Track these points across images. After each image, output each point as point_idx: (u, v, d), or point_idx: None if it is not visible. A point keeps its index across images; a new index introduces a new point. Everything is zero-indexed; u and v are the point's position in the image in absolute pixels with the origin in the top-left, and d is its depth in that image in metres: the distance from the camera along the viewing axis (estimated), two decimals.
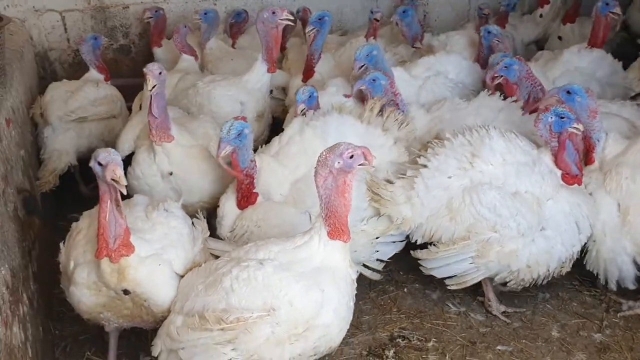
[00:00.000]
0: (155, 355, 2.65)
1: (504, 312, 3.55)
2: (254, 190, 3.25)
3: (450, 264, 3.42)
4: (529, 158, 3.36)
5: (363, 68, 4.12)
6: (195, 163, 3.52)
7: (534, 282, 3.40)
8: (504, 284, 3.48)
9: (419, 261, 3.51)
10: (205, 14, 5.05)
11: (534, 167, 3.33)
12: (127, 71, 5.28)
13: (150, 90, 3.25)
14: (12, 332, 2.50)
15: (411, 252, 3.52)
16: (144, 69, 3.30)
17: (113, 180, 2.40)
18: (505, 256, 3.28)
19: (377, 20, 5.24)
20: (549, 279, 3.44)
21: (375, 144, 3.50)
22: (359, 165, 2.44)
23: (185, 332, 2.48)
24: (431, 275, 3.89)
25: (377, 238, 3.39)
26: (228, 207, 3.30)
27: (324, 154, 2.46)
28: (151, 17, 5.36)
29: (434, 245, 3.43)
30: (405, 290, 3.86)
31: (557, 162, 3.36)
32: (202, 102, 4.24)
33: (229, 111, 4.15)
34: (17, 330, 2.59)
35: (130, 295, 2.67)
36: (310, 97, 3.81)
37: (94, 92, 4.48)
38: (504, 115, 3.85)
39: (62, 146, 4.32)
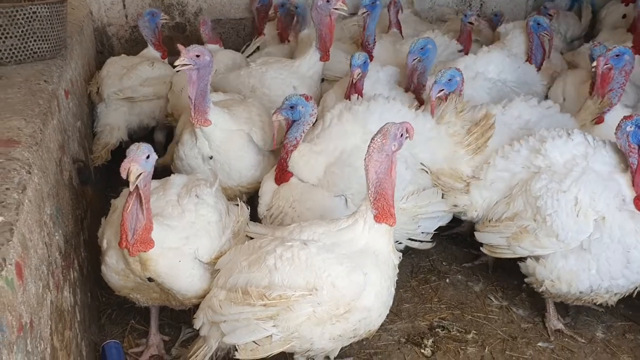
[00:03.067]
0: (197, 328, 2.70)
1: (557, 330, 3.40)
2: (288, 169, 3.27)
3: (491, 235, 3.40)
4: (604, 169, 3.12)
5: (416, 61, 4.07)
6: (235, 148, 3.51)
7: (560, 298, 3.27)
8: None
9: (474, 232, 3.50)
10: (296, 7, 5.11)
11: (602, 179, 3.08)
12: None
13: (175, 67, 3.26)
14: (63, 296, 2.59)
15: (475, 224, 3.51)
16: (180, 46, 3.31)
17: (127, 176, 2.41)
18: (534, 247, 3.20)
19: (472, 24, 5.24)
20: (580, 303, 3.28)
21: (425, 135, 3.46)
22: (405, 139, 2.49)
23: (228, 305, 2.52)
24: (474, 267, 3.91)
25: (419, 215, 3.37)
26: (267, 186, 3.34)
27: (379, 139, 2.46)
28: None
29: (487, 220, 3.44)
30: (448, 280, 3.83)
31: (634, 182, 3.03)
32: (254, 85, 4.26)
33: (281, 94, 4.12)
34: (67, 294, 2.68)
35: (156, 283, 2.73)
36: (364, 62, 3.77)
37: (147, 71, 4.54)
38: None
39: (113, 121, 4.42)
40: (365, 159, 2.48)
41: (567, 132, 3.30)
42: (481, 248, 3.46)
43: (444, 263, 4.00)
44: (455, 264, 3.99)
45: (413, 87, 4.15)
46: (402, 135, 2.45)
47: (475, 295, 3.70)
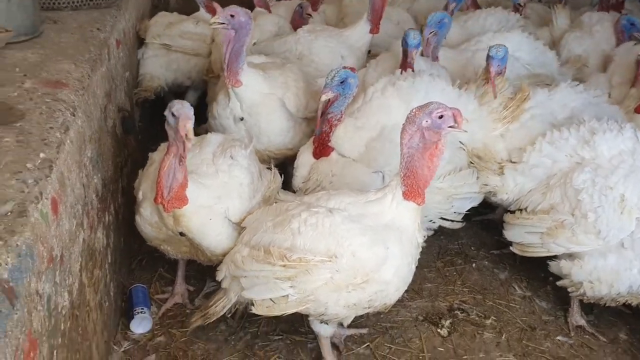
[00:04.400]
0: (219, 280, 2.79)
1: (579, 326, 3.35)
2: (329, 144, 3.25)
3: (522, 231, 3.35)
4: None
5: (432, 34, 4.01)
6: (265, 111, 3.51)
7: (597, 300, 3.20)
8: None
9: (503, 224, 3.46)
10: None
11: None
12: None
13: (210, 24, 3.28)
14: (96, 236, 2.70)
15: (504, 215, 3.47)
16: (215, 4, 3.31)
17: (185, 134, 2.46)
18: (571, 244, 3.13)
19: (521, 6, 5.09)
20: (614, 304, 3.21)
21: (467, 116, 3.39)
22: (449, 127, 2.42)
23: (250, 262, 2.59)
24: (501, 254, 3.89)
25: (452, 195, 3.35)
26: (304, 158, 3.33)
27: (414, 111, 2.45)
28: None
29: (521, 212, 3.38)
30: (474, 265, 3.82)
31: None
32: (302, 51, 4.25)
33: (329, 63, 4.13)
34: (100, 235, 2.79)
35: (186, 237, 2.81)
36: (419, 43, 3.71)
37: (190, 27, 4.60)
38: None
39: (152, 70, 4.51)
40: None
41: (620, 126, 3.22)
42: (511, 247, 3.40)
43: (472, 247, 3.99)
44: (483, 249, 3.97)
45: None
46: (440, 116, 2.38)
47: (499, 282, 3.69)
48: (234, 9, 3.27)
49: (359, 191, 2.71)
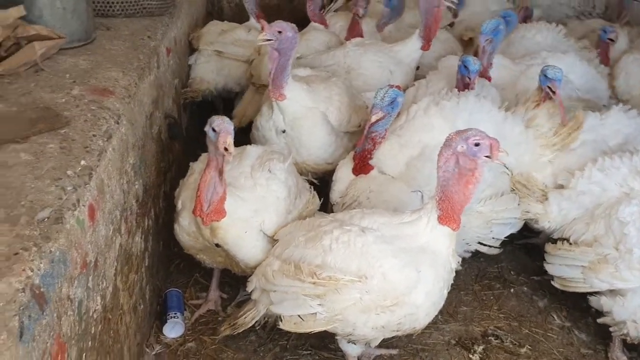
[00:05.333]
0: (249, 291, 2.82)
1: None
2: (370, 162, 3.23)
3: (563, 265, 3.24)
4: None
5: (488, 42, 3.94)
6: (307, 125, 3.50)
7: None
8: None
9: (544, 254, 3.36)
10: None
11: None
12: (287, 19, 5.40)
13: (258, 41, 3.31)
14: (134, 241, 2.77)
15: (546, 244, 3.37)
16: (262, 21, 3.36)
17: (225, 149, 2.48)
18: (614, 280, 3.01)
19: (612, 40, 4.81)
20: None
21: (512, 140, 3.35)
22: (485, 156, 2.37)
23: (280, 276, 2.60)
24: (542, 281, 3.78)
25: (493, 220, 3.29)
26: (342, 173, 3.32)
27: (452, 135, 2.43)
28: None
29: (563, 242, 3.28)
30: (512, 290, 3.73)
31: None
32: (350, 65, 4.23)
33: (377, 78, 4.14)
34: (138, 240, 2.86)
35: (222, 248, 2.85)
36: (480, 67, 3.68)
37: (242, 34, 4.69)
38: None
39: (203, 74, 4.59)
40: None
41: None
42: (552, 282, 3.30)
43: (512, 272, 3.89)
44: (523, 274, 3.87)
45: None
46: (477, 144, 2.34)
47: (537, 310, 3.59)
48: (281, 24, 3.29)
49: (394, 211, 2.69)
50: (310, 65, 4.18)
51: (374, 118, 3.10)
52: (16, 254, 1.62)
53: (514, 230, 3.44)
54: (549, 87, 3.46)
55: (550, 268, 3.30)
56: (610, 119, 3.57)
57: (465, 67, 3.62)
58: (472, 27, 5.32)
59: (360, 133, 3.75)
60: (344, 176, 3.31)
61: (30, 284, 1.57)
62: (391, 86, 3.18)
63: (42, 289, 1.62)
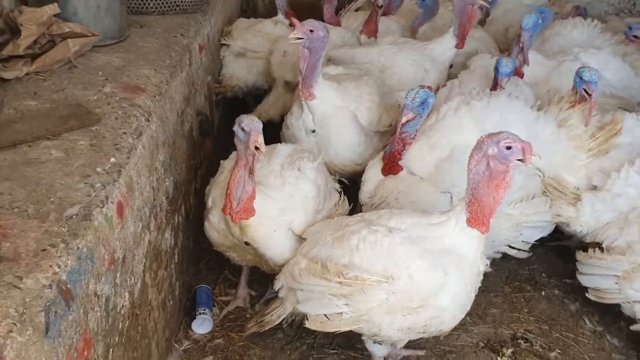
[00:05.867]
0: (276, 290, 2.82)
1: None
2: (400, 163, 3.20)
3: (596, 275, 3.16)
4: None
5: (529, 37, 3.87)
6: (336, 124, 3.47)
7: None
8: None
9: (576, 263, 3.28)
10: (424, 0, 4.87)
11: None
12: (319, 17, 5.41)
13: (290, 40, 3.27)
14: (163, 237, 2.80)
15: (576, 251, 3.30)
16: (294, 20, 3.35)
17: (255, 148, 2.49)
18: None
19: (637, 38, 4.64)
20: None
21: (544, 140, 3.27)
22: (517, 160, 2.33)
23: (306, 275, 2.60)
24: (575, 285, 3.69)
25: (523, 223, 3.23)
26: (371, 173, 3.29)
27: (483, 137, 2.39)
28: None
29: (594, 250, 3.20)
30: (543, 293, 3.66)
31: None
32: (385, 63, 4.19)
33: (412, 77, 4.10)
34: (168, 236, 2.89)
35: (251, 246, 2.85)
36: (512, 70, 3.61)
37: (269, 28, 4.68)
38: None
39: (234, 72, 4.61)
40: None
41: None
42: (587, 294, 3.22)
43: (543, 274, 3.82)
44: (555, 277, 3.79)
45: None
46: (508, 147, 2.29)
47: (569, 313, 3.52)
48: (313, 23, 3.28)
49: (422, 212, 2.66)
50: (342, 60, 4.16)
51: (404, 119, 3.07)
52: (44, 250, 1.65)
53: (544, 234, 3.37)
54: (585, 90, 3.38)
55: (583, 279, 3.22)
56: None
57: (497, 69, 3.58)
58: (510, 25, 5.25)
59: (391, 133, 3.73)
60: (373, 176, 3.28)
61: (57, 280, 1.60)
62: (422, 87, 3.14)
63: (68, 285, 1.65)
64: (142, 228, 2.39)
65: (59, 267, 1.63)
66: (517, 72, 3.89)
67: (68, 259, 1.68)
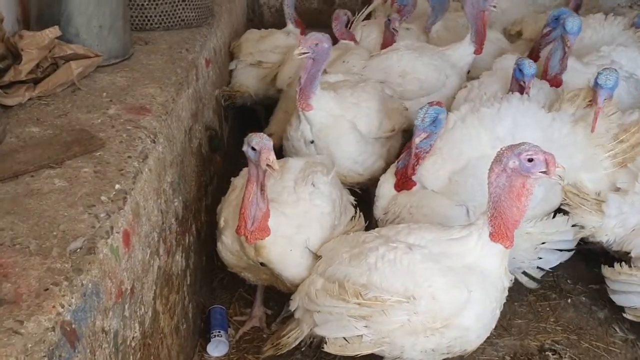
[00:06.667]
0: (292, 310, 2.73)
1: None
2: (413, 178, 3.11)
3: (630, 293, 3.04)
4: None
5: (574, 39, 3.71)
6: (335, 135, 3.38)
7: None
8: None
9: (605, 279, 3.18)
10: None
11: None
12: (329, 23, 5.32)
13: (296, 55, 3.20)
14: (174, 260, 2.71)
15: (602, 266, 3.20)
16: (298, 36, 3.28)
17: (268, 165, 2.41)
18: None
19: None
20: None
21: (561, 141, 3.17)
22: (540, 172, 2.22)
23: (323, 296, 2.50)
24: (602, 290, 3.55)
25: (542, 243, 3.11)
26: (384, 189, 3.20)
27: (503, 149, 2.28)
28: None
29: (621, 264, 3.08)
30: (569, 301, 3.54)
31: None
32: (405, 69, 4.07)
33: (434, 82, 4.04)
34: (179, 259, 2.81)
35: (267, 267, 2.76)
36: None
37: (282, 39, 4.62)
38: None
39: (244, 81, 4.55)
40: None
41: None
42: (625, 314, 3.10)
43: (568, 281, 3.70)
44: (581, 283, 3.67)
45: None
46: (530, 159, 2.19)
47: (598, 322, 3.40)
48: (317, 36, 3.20)
49: (442, 226, 2.55)
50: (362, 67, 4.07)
51: (417, 140, 3.01)
52: (46, 289, 1.57)
53: (562, 259, 3.26)
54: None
55: (617, 299, 3.11)
56: None
57: (520, 70, 3.45)
58: (518, 21, 5.12)
59: (394, 137, 3.66)
60: (386, 192, 3.19)
61: (61, 322, 1.52)
62: (431, 104, 3.06)
63: (73, 325, 1.57)
64: (150, 254, 2.31)
65: (63, 306, 1.55)
66: (556, 80, 3.76)
67: (72, 297, 1.59)
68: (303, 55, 3.16)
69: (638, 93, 3.81)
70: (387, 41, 4.50)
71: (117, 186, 2.07)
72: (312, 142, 3.41)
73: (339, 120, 3.41)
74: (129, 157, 2.26)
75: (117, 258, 1.91)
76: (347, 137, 3.42)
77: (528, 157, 2.18)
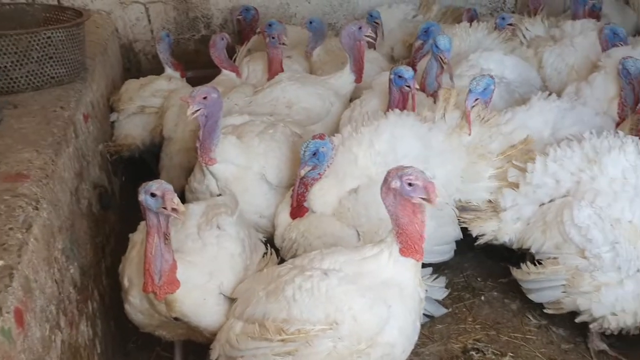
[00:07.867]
0: (214, 359, 2.60)
1: (601, 351, 3.19)
2: (305, 205, 3.14)
3: (544, 289, 3.15)
4: None
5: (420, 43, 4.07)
6: (242, 188, 3.29)
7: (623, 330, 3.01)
8: None
9: (518, 280, 3.28)
10: (311, 22, 4.80)
11: None
12: (208, 63, 5.26)
13: (188, 117, 3.11)
14: (79, 331, 2.53)
15: (511, 269, 3.29)
16: (182, 97, 3.20)
17: (173, 209, 2.32)
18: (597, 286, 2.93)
19: (512, 25, 4.98)
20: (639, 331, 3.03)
21: (438, 148, 3.29)
22: (420, 198, 2.25)
23: (245, 340, 2.41)
24: (511, 283, 3.68)
25: None
26: (281, 218, 3.20)
27: (390, 170, 2.32)
28: (241, 16, 5.30)
29: (527, 264, 3.20)
30: (483, 298, 3.64)
31: None
32: (291, 100, 4.07)
33: (319, 111, 4.07)
34: (84, 328, 2.62)
35: (182, 321, 2.64)
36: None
37: (163, 85, 4.52)
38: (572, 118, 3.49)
39: (128, 131, 4.39)
40: None
41: (621, 140, 3.01)
42: (545, 310, 3.21)
43: (478, 279, 3.81)
44: (490, 279, 3.79)
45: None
46: (410, 184, 2.23)
47: (512, 313, 3.51)
48: (203, 90, 3.13)
49: (353, 247, 2.55)
50: (250, 111, 3.93)
51: (302, 172, 3.06)
52: None
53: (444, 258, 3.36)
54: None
55: (533, 296, 3.23)
56: (535, 110, 3.53)
57: (400, 76, 3.54)
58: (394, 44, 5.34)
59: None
60: (282, 221, 3.21)
61: None
62: (314, 137, 3.10)
63: None
64: (50, 329, 2.13)
65: None
66: (434, 96, 3.81)
67: None
68: (196, 114, 3.06)
69: (509, 96, 4.04)
70: (274, 66, 4.46)
71: (0, 262, 1.89)
72: (219, 195, 3.29)
73: (246, 172, 3.33)
74: (10, 228, 2.08)
75: (10, 340, 1.73)
76: (255, 191, 3.35)
77: (408, 181, 2.23)
